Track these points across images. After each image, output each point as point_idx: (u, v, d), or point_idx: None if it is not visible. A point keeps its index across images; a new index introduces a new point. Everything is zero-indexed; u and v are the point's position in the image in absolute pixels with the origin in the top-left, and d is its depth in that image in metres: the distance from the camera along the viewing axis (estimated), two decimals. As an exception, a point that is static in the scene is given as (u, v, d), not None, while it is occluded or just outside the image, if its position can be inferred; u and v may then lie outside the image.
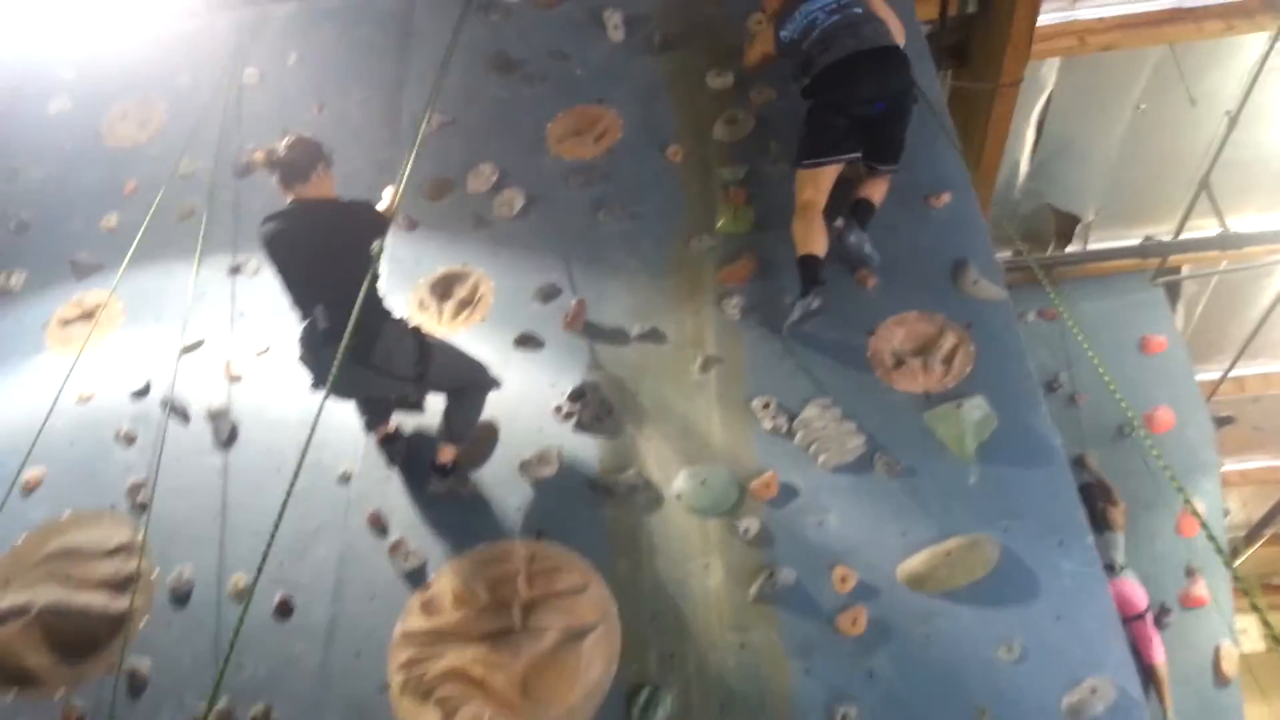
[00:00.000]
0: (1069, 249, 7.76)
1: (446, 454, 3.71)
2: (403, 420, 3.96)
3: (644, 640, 3.39)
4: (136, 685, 3.64)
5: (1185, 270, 7.75)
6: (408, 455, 3.87)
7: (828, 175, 3.93)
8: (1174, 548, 6.28)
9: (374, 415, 3.87)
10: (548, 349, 4.11)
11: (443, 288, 4.37)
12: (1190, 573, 6.21)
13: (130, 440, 4.25)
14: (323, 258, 3.36)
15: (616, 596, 3.48)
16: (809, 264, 3.81)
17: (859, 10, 3.99)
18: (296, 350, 3.46)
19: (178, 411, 4.31)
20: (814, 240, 3.84)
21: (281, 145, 3.54)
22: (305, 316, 3.42)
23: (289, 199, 3.55)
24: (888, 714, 3.12)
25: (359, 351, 3.21)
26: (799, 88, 4.06)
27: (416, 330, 3.55)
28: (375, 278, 3.26)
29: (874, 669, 3.20)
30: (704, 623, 3.38)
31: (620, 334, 4.08)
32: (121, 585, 3.88)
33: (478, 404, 3.75)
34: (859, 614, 3.27)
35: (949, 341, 3.79)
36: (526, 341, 4.13)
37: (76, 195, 5.24)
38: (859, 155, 3.97)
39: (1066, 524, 3.36)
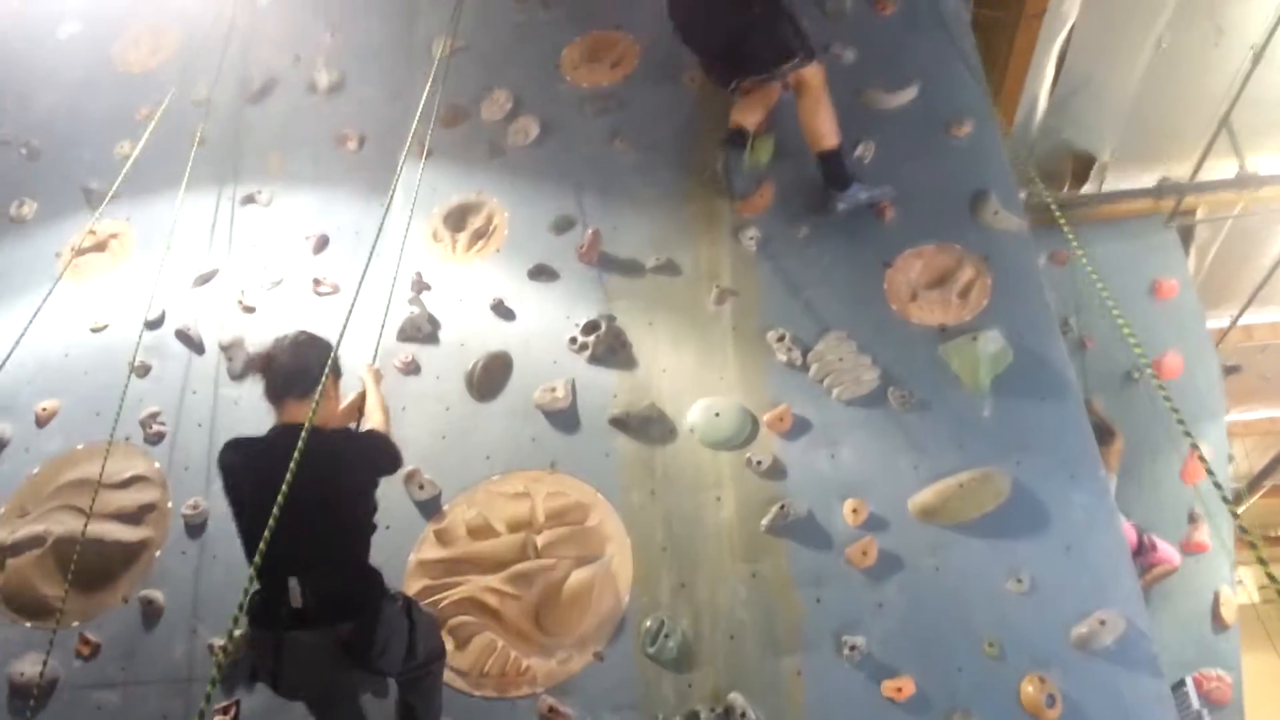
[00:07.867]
0: (1083, 190, 7.67)
1: None
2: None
3: (656, 571, 3.42)
4: (150, 616, 3.69)
5: (1200, 214, 7.66)
6: None
7: None
8: (1178, 493, 6.31)
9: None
10: (562, 280, 4.08)
11: (457, 218, 4.33)
12: (1193, 518, 6.25)
13: (145, 371, 4.23)
14: (309, 512, 2.36)
15: (629, 528, 3.50)
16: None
17: None
18: (246, 626, 2.56)
19: (192, 343, 4.30)
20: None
21: (286, 342, 2.81)
22: (268, 585, 2.50)
23: (275, 418, 2.77)
24: (896, 644, 3.15)
25: (353, 652, 2.52)
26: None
27: (409, 603, 2.78)
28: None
29: (884, 600, 3.23)
30: (715, 554, 3.41)
31: (635, 265, 4.05)
32: (136, 516, 3.91)
33: (441, 675, 3.07)
34: (870, 545, 3.29)
35: (966, 274, 3.76)
36: (541, 273, 4.10)
37: (88, 122, 5.18)
38: None
39: (1079, 457, 3.37)
